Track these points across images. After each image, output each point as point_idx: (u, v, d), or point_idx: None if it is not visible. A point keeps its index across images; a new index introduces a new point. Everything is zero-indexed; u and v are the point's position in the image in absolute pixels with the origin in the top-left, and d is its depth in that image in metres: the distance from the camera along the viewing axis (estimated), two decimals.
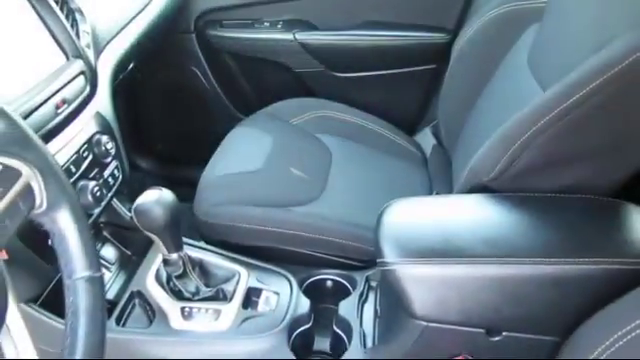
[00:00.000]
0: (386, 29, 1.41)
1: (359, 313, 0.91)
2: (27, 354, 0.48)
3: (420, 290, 0.71)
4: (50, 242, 0.78)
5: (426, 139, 1.37)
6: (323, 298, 0.98)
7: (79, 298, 0.54)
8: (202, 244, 1.00)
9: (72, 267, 0.54)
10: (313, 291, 0.97)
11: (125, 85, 1.19)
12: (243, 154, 1.19)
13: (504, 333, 0.72)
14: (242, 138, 1.26)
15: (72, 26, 0.89)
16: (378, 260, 0.74)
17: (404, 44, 1.40)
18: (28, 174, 0.52)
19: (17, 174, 0.51)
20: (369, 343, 0.87)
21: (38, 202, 0.53)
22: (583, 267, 0.67)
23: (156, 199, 0.80)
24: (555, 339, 0.70)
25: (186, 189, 1.10)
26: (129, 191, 1.04)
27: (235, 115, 1.56)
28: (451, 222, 0.77)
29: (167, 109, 1.62)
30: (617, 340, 0.57)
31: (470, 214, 0.78)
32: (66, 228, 0.55)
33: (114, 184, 0.93)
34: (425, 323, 0.72)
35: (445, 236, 0.73)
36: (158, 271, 0.92)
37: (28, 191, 0.52)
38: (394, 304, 0.80)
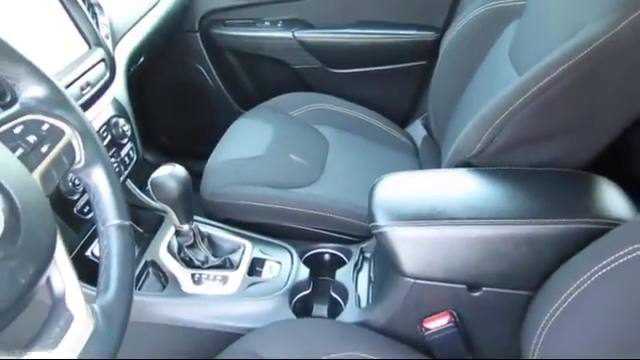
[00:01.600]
0: (379, 28, 1.49)
1: (354, 279, 0.99)
2: (73, 286, 0.55)
3: (408, 250, 0.79)
4: (75, 210, 0.87)
5: (417, 130, 1.45)
6: (321, 271, 1.06)
7: (111, 242, 0.62)
8: (209, 221, 1.08)
9: (105, 216, 0.62)
10: (312, 264, 1.04)
11: (133, 81, 1.28)
12: (246, 143, 1.27)
13: (484, 288, 0.79)
14: (244, 128, 1.34)
15: (92, 18, 0.98)
16: (371, 224, 0.82)
17: (396, 42, 1.49)
18: (70, 134, 0.60)
19: (61, 133, 0.59)
20: (363, 304, 0.95)
21: (77, 158, 0.61)
22: (554, 227, 0.75)
23: (170, 173, 0.89)
24: (529, 293, 0.77)
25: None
26: (136, 183, 1.12)
27: (237, 110, 1.64)
28: (436, 190, 0.85)
29: (172, 104, 1.71)
30: (576, 288, 0.65)
31: (454, 184, 0.86)
32: (100, 182, 0.63)
33: (129, 163, 1.01)
34: (413, 280, 0.80)
35: (431, 202, 0.81)
36: (170, 243, 1.00)
37: (69, 148, 0.60)
38: (386, 268, 0.88)
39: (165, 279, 0.95)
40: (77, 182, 0.84)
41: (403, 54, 1.51)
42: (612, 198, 0.80)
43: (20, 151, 0.53)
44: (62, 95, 0.60)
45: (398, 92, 1.57)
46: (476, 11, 1.18)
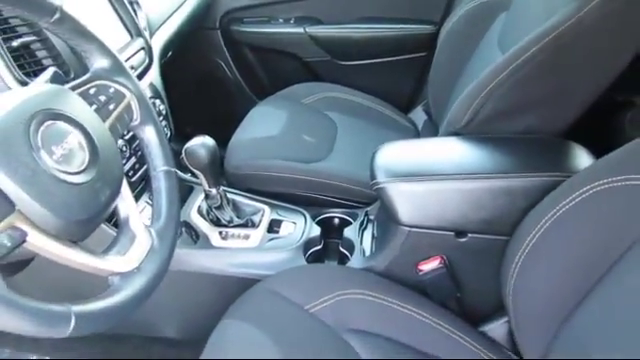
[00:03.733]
0: (382, 23, 1.65)
1: (360, 235, 1.13)
2: (134, 214, 0.70)
3: (404, 202, 0.93)
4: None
5: (418, 116, 1.58)
6: (330, 234, 1.20)
7: (161, 184, 0.77)
8: (234, 190, 1.22)
9: (156, 163, 0.78)
10: (322, 227, 1.18)
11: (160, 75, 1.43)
12: (263, 125, 1.41)
13: (469, 235, 0.92)
14: (261, 114, 1.48)
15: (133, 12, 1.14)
16: (372, 182, 0.96)
17: (398, 35, 1.64)
18: (129, 97, 0.75)
19: (122, 96, 0.74)
20: (367, 254, 1.09)
21: (135, 117, 0.76)
22: (526, 180, 0.88)
23: (201, 142, 1.03)
24: (507, 238, 0.88)
25: None
26: None
27: (253, 100, 1.79)
28: (429, 153, 0.99)
29: (195, 96, 1.86)
30: (540, 228, 0.78)
31: (444, 148, 1.00)
32: (151, 137, 0.78)
33: None
34: (409, 229, 0.93)
35: (424, 162, 0.95)
36: (199, 207, 1.15)
37: (129, 108, 0.75)
38: (386, 221, 1.02)
39: (196, 236, 1.10)
40: (123, 149, 0.99)
41: (404, 46, 1.66)
42: (578, 157, 0.93)
43: (94, 106, 0.69)
44: (123, 67, 0.76)
45: (400, 81, 1.71)
46: (469, 5, 1.31)
